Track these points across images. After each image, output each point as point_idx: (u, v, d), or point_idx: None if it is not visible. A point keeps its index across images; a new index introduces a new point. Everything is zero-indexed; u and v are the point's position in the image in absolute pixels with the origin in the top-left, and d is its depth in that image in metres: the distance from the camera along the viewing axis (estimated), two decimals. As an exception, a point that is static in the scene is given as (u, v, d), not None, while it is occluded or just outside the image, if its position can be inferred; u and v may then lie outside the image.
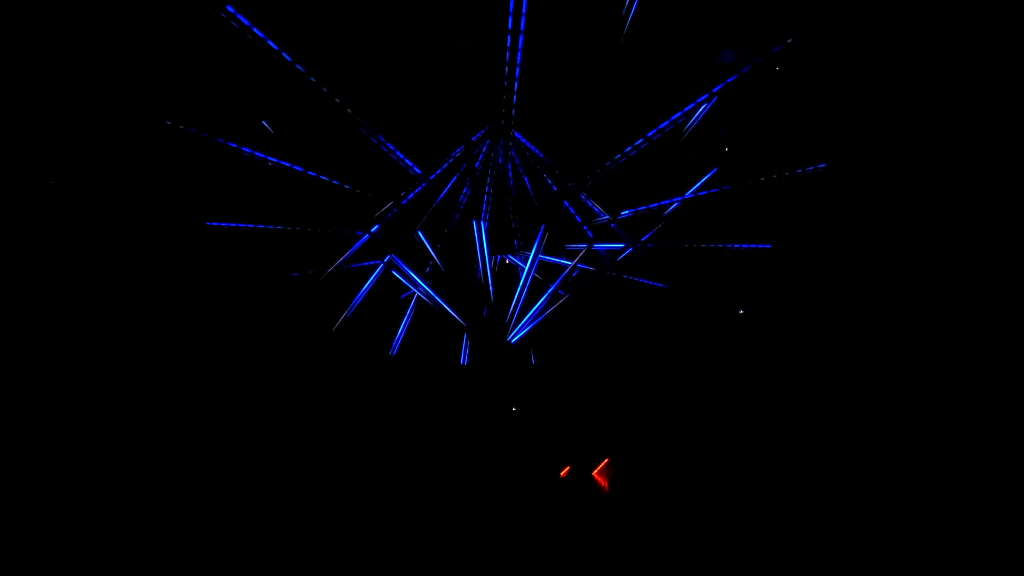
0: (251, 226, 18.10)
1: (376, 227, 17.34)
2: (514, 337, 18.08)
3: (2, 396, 15.63)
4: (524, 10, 13.31)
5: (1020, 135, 15.69)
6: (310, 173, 17.16)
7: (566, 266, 17.50)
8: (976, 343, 16.70)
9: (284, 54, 14.59)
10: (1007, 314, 16.33)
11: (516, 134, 17.36)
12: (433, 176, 17.56)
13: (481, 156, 17.82)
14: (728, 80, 14.76)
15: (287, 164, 16.96)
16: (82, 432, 16.36)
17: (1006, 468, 15.40)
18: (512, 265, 18.68)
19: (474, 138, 17.55)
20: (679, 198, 17.47)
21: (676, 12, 15.04)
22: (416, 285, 18.06)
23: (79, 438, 16.24)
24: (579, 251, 18.11)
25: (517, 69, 14.20)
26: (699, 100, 15.32)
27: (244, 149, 16.57)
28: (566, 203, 17.70)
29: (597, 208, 17.60)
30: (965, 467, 15.67)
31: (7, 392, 15.72)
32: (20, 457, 15.16)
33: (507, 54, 13.90)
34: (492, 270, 17.69)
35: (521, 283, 17.48)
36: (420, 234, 18.13)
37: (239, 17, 14.00)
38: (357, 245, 17.35)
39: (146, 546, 13.81)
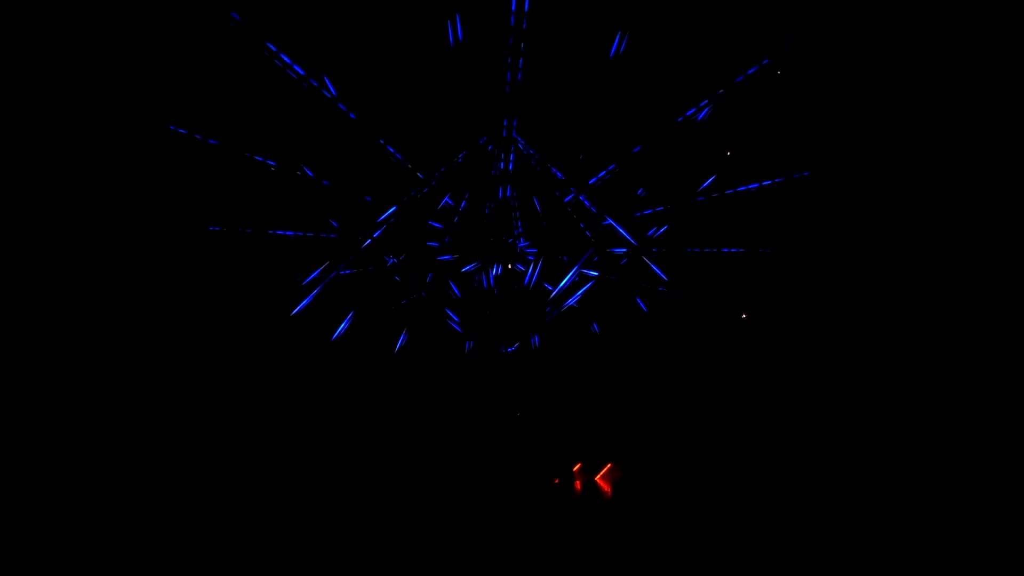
0: (253, 230, 18.22)
1: (377, 232, 17.42)
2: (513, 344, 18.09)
3: (6, 399, 15.69)
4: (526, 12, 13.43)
5: (1015, 138, 15.71)
6: (311, 175, 17.26)
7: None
8: (977, 346, 16.66)
9: (285, 56, 14.75)
10: (1007, 314, 16.29)
11: (518, 139, 17.42)
12: (435, 181, 17.62)
13: (484, 162, 17.89)
14: (732, 84, 14.85)
15: (290, 168, 17.08)
16: (88, 436, 16.41)
17: (1007, 473, 15.32)
18: (516, 271, 18.70)
19: (478, 143, 17.63)
20: (682, 203, 17.51)
21: (677, 13, 15.14)
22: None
23: (85, 442, 16.30)
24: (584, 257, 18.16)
25: (519, 73, 14.29)
26: (701, 105, 15.40)
27: (249, 155, 16.70)
28: (569, 208, 17.74)
29: (599, 211, 17.64)
30: (968, 470, 15.61)
31: (11, 395, 15.78)
32: (22, 460, 15.21)
33: (509, 58, 14.01)
34: (497, 275, 17.72)
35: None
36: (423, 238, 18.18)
37: (241, 22, 14.18)
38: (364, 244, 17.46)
39: (149, 549, 13.75)
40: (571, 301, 18.20)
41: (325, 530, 15.09)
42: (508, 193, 17.62)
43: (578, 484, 18.30)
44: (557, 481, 18.03)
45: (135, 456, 16.34)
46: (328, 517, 15.57)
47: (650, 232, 17.78)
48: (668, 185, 17.47)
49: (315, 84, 15.56)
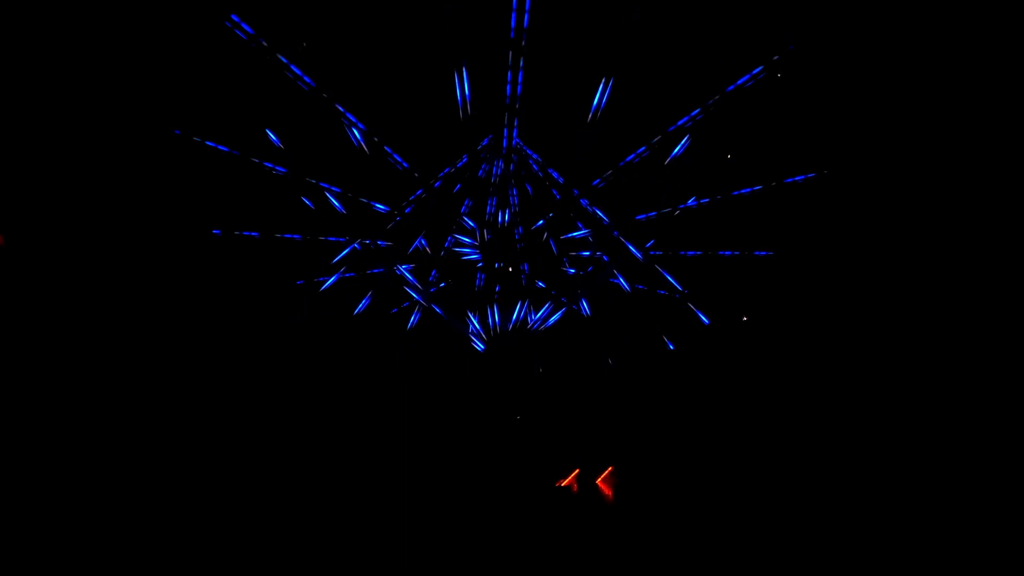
0: (256, 234, 18.21)
1: (378, 236, 17.42)
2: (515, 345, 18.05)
3: (14, 400, 15.66)
4: (526, 22, 13.46)
5: (1017, 139, 15.75)
6: (313, 181, 17.26)
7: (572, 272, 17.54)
8: (976, 347, 16.65)
9: (287, 61, 14.75)
10: (1006, 312, 16.30)
11: (520, 143, 17.43)
12: (436, 184, 17.62)
13: (484, 164, 17.90)
14: (732, 87, 14.87)
15: (292, 172, 17.08)
16: (95, 437, 16.36)
17: (1006, 473, 15.30)
18: (516, 273, 18.68)
19: (478, 147, 17.63)
20: (682, 205, 17.52)
21: (679, 18, 15.16)
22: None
23: (92, 443, 16.25)
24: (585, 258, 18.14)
25: (520, 74, 14.32)
26: (699, 109, 15.42)
27: (254, 159, 16.71)
28: (570, 211, 17.73)
29: (601, 214, 17.64)
30: (968, 470, 15.58)
31: (20, 396, 15.75)
32: (28, 460, 15.16)
33: (510, 59, 14.03)
34: (496, 275, 17.71)
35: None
36: (423, 242, 18.17)
37: (244, 27, 14.19)
38: (345, 252, 17.51)
39: (151, 547, 13.69)
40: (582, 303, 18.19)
41: (325, 530, 15.00)
42: (508, 195, 17.63)
43: (569, 481, 18.16)
44: (567, 483, 17.89)
45: (139, 455, 16.27)
46: (329, 517, 15.50)
47: (649, 244, 17.79)
48: (668, 188, 17.49)
49: (315, 86, 15.57)
